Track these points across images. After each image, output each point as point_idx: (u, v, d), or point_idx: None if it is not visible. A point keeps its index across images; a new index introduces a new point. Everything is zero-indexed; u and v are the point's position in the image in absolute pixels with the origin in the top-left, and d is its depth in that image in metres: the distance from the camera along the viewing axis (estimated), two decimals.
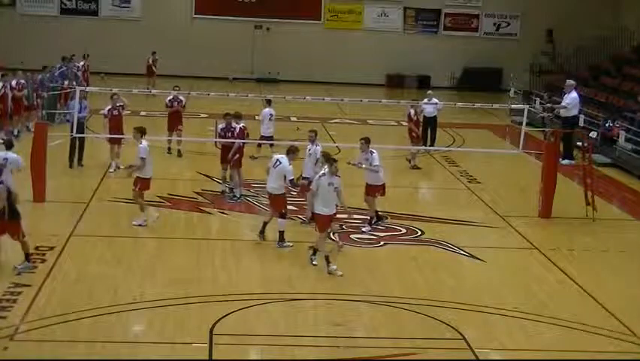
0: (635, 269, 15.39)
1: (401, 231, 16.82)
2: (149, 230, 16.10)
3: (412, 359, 11.18)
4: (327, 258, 14.02)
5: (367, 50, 39.97)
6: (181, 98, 22.33)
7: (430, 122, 24.39)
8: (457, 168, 22.80)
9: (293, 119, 28.37)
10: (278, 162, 15.31)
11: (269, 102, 22.46)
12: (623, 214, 19.46)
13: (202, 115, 25.92)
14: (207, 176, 19.95)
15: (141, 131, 16.44)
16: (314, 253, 14.35)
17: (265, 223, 15.46)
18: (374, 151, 16.55)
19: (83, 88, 24.22)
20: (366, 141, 16.59)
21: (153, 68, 34.11)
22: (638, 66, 31.13)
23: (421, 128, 23.68)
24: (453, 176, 22.06)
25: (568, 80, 24.84)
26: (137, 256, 14.59)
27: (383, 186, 16.76)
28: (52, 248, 14.53)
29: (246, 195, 18.51)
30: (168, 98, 22.26)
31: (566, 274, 14.70)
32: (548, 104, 27.95)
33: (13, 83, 23.60)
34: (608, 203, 19.86)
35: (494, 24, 41.31)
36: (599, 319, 12.70)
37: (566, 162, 22.20)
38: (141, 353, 10.94)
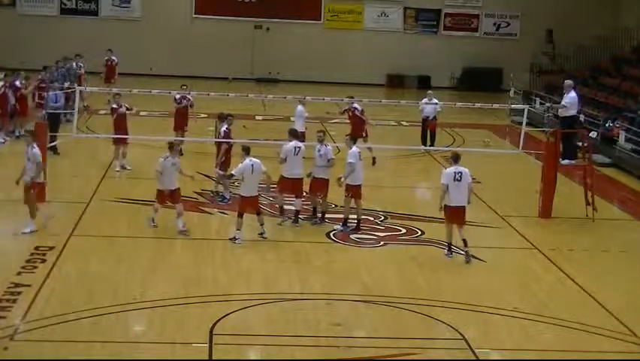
0: (635, 269, 15.40)
1: (401, 231, 16.83)
2: (149, 230, 16.10)
3: (412, 359, 11.18)
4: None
5: (367, 50, 39.97)
6: (189, 97, 22.24)
7: (430, 122, 24.38)
8: None
9: (292, 118, 28.29)
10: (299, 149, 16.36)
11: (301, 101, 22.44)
12: (623, 214, 19.47)
13: (202, 115, 25.87)
14: (207, 176, 19.93)
15: (32, 135, 16.33)
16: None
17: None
18: (353, 148, 16.52)
19: (83, 88, 24.30)
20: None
21: (114, 68, 30.98)
22: (638, 66, 31.13)
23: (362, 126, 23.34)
24: None
25: (566, 80, 24.78)
26: (137, 256, 14.59)
27: (358, 188, 16.42)
28: (52, 248, 14.53)
29: None
30: (177, 96, 22.11)
31: (566, 274, 14.71)
32: (549, 104, 27.97)
33: (17, 82, 23.62)
34: (608, 203, 19.86)
35: (494, 24, 41.30)
36: (599, 319, 12.70)
37: (565, 162, 22.17)
38: (141, 353, 10.94)
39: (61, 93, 22.16)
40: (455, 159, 15.34)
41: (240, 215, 15.42)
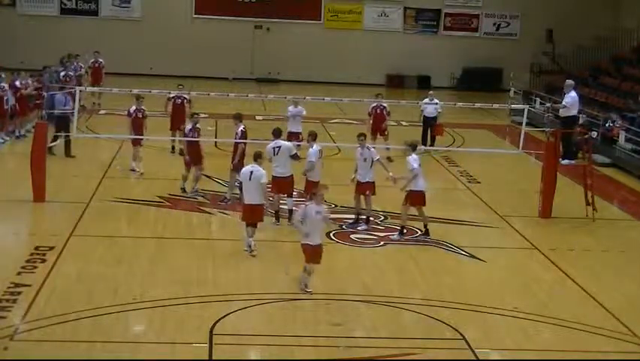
0: (635, 269, 15.40)
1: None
2: (150, 230, 16.11)
3: (412, 359, 11.18)
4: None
5: (367, 50, 39.97)
6: (185, 96, 22.16)
7: (430, 122, 24.42)
8: (457, 168, 22.80)
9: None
10: (278, 148, 16.29)
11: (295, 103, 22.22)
12: (623, 214, 19.46)
13: (202, 115, 25.88)
14: (207, 176, 19.91)
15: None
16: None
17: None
18: (370, 147, 17.03)
19: (82, 88, 24.28)
20: (365, 137, 17.20)
21: (101, 70, 30.47)
22: (638, 66, 31.14)
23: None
24: (453, 176, 22.05)
25: (567, 80, 24.85)
26: (137, 256, 14.58)
27: (373, 184, 16.77)
28: (52, 248, 14.53)
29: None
30: (171, 95, 22.02)
31: (566, 274, 14.71)
32: (549, 104, 28.02)
33: (17, 83, 23.63)
34: (608, 203, 19.86)
35: (494, 24, 41.30)
36: (599, 319, 12.70)
37: (565, 162, 22.20)
38: (141, 353, 10.94)
39: (69, 97, 21.99)
40: (414, 147, 16.43)
41: (247, 224, 14.90)
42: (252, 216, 14.91)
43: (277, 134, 16.83)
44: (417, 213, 16.43)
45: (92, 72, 30.29)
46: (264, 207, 15.27)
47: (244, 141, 18.08)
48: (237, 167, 17.99)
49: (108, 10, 39.71)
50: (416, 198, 16.12)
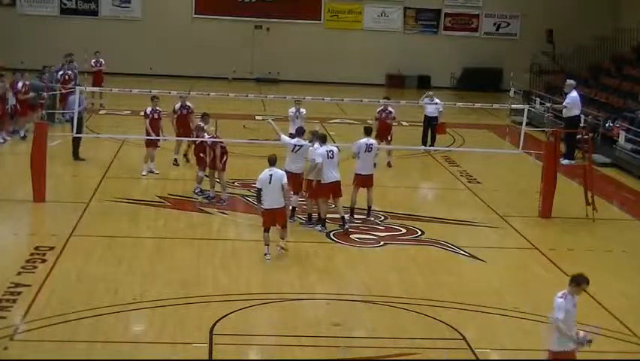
0: (635, 269, 15.40)
1: (401, 231, 16.83)
2: (150, 230, 16.11)
3: (412, 359, 11.19)
4: None
5: (367, 50, 39.94)
6: (189, 104, 21.84)
7: (431, 122, 24.42)
8: (457, 168, 22.80)
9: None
10: (300, 147, 16.42)
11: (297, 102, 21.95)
12: (623, 214, 19.46)
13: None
14: (207, 176, 19.90)
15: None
16: None
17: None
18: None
19: (83, 88, 24.23)
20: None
21: (101, 71, 30.18)
22: (638, 66, 31.12)
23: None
24: (453, 176, 22.05)
25: (568, 80, 24.84)
26: (137, 256, 14.58)
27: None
28: (52, 248, 14.53)
29: (246, 195, 18.53)
30: (177, 106, 21.65)
31: (566, 274, 14.67)
32: (549, 104, 28.02)
33: (19, 85, 23.56)
34: (608, 203, 19.86)
35: (494, 24, 41.27)
36: (600, 319, 12.69)
37: (565, 162, 22.20)
38: (141, 353, 10.94)
39: (82, 97, 21.67)
40: (323, 140, 16.59)
41: (265, 230, 14.64)
42: (274, 220, 14.68)
43: (300, 132, 16.84)
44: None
45: (94, 73, 30.15)
46: (285, 208, 15.09)
47: (218, 139, 18.14)
48: (213, 165, 18.01)
49: (108, 10, 39.65)
50: (320, 190, 16.24)
